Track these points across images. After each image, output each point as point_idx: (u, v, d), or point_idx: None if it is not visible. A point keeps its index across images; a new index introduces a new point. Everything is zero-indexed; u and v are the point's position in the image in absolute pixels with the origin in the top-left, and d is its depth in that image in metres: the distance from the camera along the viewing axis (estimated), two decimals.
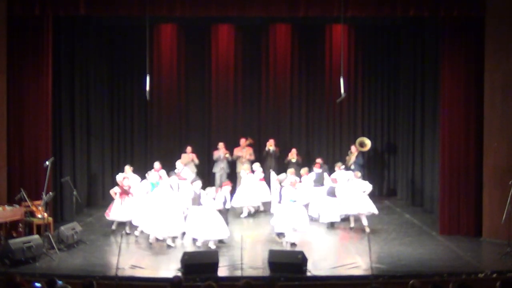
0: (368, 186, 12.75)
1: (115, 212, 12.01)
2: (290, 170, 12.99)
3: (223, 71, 16.57)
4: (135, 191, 12.16)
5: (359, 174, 13.13)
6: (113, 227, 12.18)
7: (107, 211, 12.26)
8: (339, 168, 13.49)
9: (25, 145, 11.92)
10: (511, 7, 11.47)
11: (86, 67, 14.72)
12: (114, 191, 12.21)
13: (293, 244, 11.15)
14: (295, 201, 11.41)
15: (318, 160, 14.18)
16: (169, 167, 13.21)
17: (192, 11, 12.05)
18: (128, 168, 12.85)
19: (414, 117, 15.36)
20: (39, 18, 11.74)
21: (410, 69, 15.60)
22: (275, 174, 13.32)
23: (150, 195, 11.68)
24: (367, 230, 12.15)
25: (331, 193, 12.55)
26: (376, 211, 12.67)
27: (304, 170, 13.61)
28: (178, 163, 12.95)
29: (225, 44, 16.52)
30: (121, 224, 12.33)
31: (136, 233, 11.76)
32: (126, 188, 12.05)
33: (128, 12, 11.94)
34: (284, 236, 11.38)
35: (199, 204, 11.16)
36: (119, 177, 12.79)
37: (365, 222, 12.43)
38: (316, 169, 13.59)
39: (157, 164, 13.06)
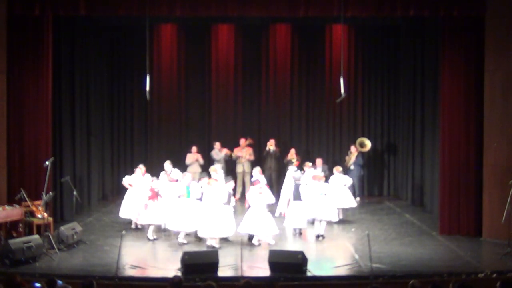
0: (348, 180, 13.22)
1: (151, 216, 11.71)
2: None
3: (223, 71, 16.57)
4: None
5: (340, 168, 13.43)
6: (150, 233, 11.71)
7: (136, 216, 12.15)
8: (308, 167, 13.52)
9: (25, 145, 11.91)
10: (511, 7, 11.47)
11: (86, 67, 14.70)
12: (129, 182, 12.54)
13: (321, 236, 11.68)
14: (325, 194, 11.90)
15: (319, 161, 14.19)
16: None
17: (192, 11, 12.04)
18: (142, 168, 12.74)
19: (414, 117, 15.36)
20: (39, 18, 11.74)
21: (410, 69, 15.60)
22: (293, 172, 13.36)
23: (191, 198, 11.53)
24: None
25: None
26: (355, 204, 13.28)
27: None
28: (167, 164, 12.90)
29: (225, 44, 16.52)
30: (126, 224, 12.36)
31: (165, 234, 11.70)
32: (156, 190, 11.83)
33: (128, 12, 11.92)
34: (299, 232, 12.01)
35: (229, 203, 11.29)
36: (128, 180, 12.68)
37: (341, 215, 13.09)
38: (292, 168, 13.68)
39: (142, 168, 12.84)
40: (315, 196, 11.89)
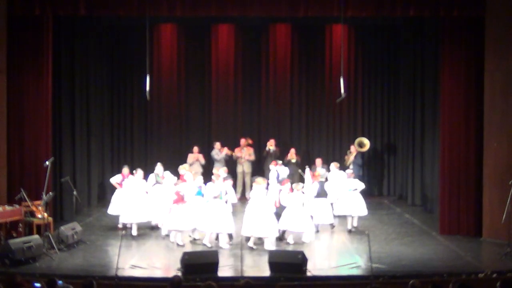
0: (342, 174, 13.27)
1: (180, 222, 11.20)
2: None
3: (223, 71, 16.57)
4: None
5: (337, 164, 13.62)
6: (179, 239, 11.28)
7: (161, 223, 11.86)
8: (275, 164, 13.81)
9: (25, 145, 11.92)
10: (511, 7, 11.47)
11: (86, 67, 14.71)
12: (116, 181, 12.50)
13: (351, 230, 12.26)
14: (355, 189, 12.48)
15: (318, 161, 14.19)
16: (170, 167, 13.14)
17: (192, 11, 12.06)
18: (126, 170, 12.71)
19: (414, 117, 15.35)
20: (39, 18, 11.74)
21: (410, 69, 15.60)
22: (309, 170, 13.44)
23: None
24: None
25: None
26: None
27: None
28: (158, 166, 12.90)
29: (225, 44, 16.52)
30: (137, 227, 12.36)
31: (196, 236, 11.45)
32: (182, 194, 11.33)
33: (128, 12, 11.94)
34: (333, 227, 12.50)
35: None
36: (117, 179, 12.64)
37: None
38: (272, 166, 13.85)
39: (125, 170, 12.70)
40: (345, 192, 12.45)
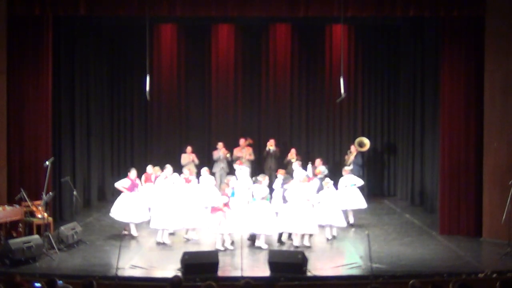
0: (324, 169, 13.64)
1: (232, 225, 10.87)
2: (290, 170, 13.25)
3: (223, 71, 16.58)
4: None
5: (321, 167, 13.72)
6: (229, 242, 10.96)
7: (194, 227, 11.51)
8: (240, 164, 14.05)
9: (25, 145, 11.92)
10: (511, 7, 11.47)
11: (86, 67, 14.72)
12: (123, 185, 12.01)
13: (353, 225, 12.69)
14: (355, 184, 13.00)
15: (318, 161, 14.18)
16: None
17: (192, 11, 12.07)
18: (134, 172, 12.36)
19: (414, 117, 15.36)
20: (39, 18, 11.75)
21: (410, 69, 15.61)
22: (311, 168, 13.71)
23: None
24: None
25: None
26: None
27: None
28: (149, 168, 12.83)
29: (225, 44, 16.53)
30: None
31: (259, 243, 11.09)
32: (230, 196, 10.99)
33: (128, 12, 11.94)
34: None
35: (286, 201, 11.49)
36: (124, 183, 12.08)
37: None
38: (237, 166, 14.05)
39: (133, 173, 12.27)
40: (345, 188, 12.82)
